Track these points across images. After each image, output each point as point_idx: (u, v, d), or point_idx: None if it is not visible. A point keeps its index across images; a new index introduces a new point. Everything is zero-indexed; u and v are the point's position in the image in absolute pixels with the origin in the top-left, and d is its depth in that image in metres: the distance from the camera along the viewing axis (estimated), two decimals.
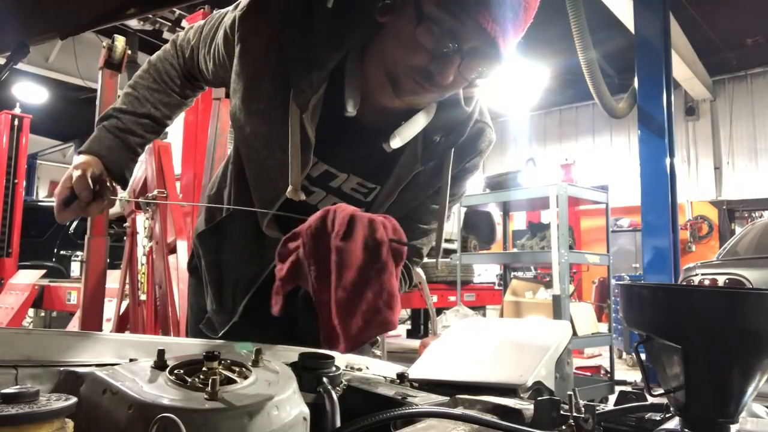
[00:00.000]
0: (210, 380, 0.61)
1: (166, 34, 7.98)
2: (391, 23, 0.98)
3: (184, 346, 0.89)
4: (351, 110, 1.01)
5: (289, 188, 1.03)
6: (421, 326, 8.17)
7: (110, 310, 3.76)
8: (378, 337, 1.39)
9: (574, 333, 4.58)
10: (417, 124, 1.05)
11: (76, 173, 1.07)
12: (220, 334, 1.22)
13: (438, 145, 1.08)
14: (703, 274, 4.96)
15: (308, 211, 1.14)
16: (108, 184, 1.13)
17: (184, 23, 7.18)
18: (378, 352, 1.33)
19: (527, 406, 0.75)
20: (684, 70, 11.05)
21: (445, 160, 1.10)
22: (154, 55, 1.28)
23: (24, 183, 5.90)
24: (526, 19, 0.94)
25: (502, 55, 0.93)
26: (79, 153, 1.15)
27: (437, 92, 0.99)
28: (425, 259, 1.27)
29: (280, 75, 1.01)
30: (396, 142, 1.03)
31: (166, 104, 1.24)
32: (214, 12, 1.18)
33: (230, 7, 1.12)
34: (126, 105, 1.21)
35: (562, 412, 0.70)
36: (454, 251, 6.17)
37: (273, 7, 1.03)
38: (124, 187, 1.19)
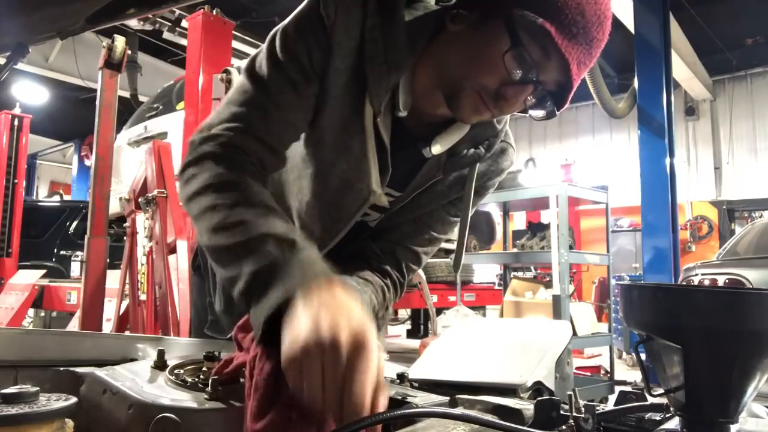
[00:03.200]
0: (210, 380, 0.61)
1: (166, 34, 7.98)
2: (465, 34, 0.95)
3: (184, 346, 0.89)
4: (403, 111, 0.99)
5: (372, 194, 0.99)
6: (421, 326, 8.17)
7: (110, 310, 3.76)
8: (380, 342, 1.35)
9: (574, 333, 4.58)
10: (457, 133, 1.04)
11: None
12: (228, 336, 1.19)
13: (463, 157, 1.08)
14: (703, 274, 4.96)
15: (360, 227, 1.11)
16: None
17: (184, 23, 7.18)
18: (385, 356, 1.31)
19: (527, 406, 0.75)
20: (684, 70, 11.06)
21: (468, 173, 1.10)
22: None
23: (24, 183, 5.91)
24: (591, 65, 0.95)
25: (568, 97, 0.94)
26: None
27: (497, 114, 0.97)
28: (429, 258, 1.26)
29: (354, 78, 0.97)
30: (437, 149, 1.02)
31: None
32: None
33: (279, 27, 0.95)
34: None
35: (562, 412, 0.71)
36: (454, 251, 6.14)
37: (354, 4, 0.95)
38: None
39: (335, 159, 1.02)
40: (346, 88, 0.97)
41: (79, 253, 6.45)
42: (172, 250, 3.23)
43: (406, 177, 1.10)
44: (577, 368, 5.74)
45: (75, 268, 6.61)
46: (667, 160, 6.73)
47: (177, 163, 3.78)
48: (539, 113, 0.97)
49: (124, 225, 3.91)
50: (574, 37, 0.88)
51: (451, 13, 0.96)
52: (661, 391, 0.67)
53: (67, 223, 7.57)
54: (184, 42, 7.09)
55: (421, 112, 1.03)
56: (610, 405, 0.81)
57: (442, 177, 1.08)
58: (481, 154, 1.08)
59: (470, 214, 1.16)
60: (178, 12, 7.39)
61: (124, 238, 3.85)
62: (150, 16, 7.15)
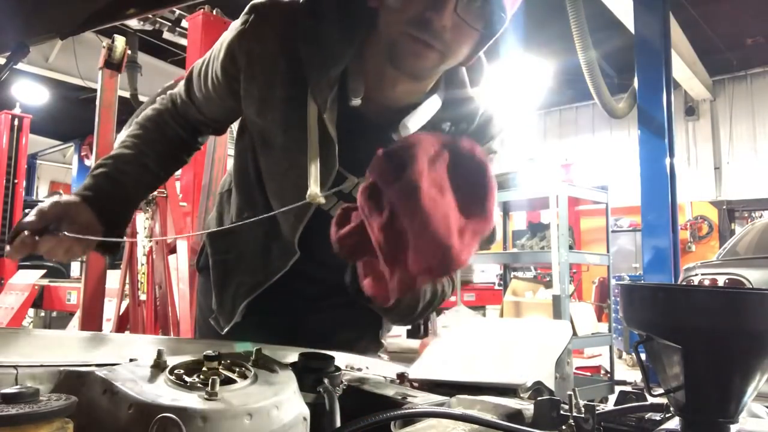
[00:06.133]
0: (210, 380, 0.61)
1: (166, 34, 7.97)
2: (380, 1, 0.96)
3: (184, 346, 0.89)
4: (355, 99, 0.99)
5: (309, 192, 0.97)
6: (421, 326, 8.17)
7: (110, 310, 3.76)
8: (383, 343, 1.37)
9: (574, 333, 4.58)
10: (426, 111, 1.03)
11: (42, 204, 1.03)
12: (225, 332, 1.22)
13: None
14: (703, 274, 4.96)
15: (322, 218, 1.11)
16: (76, 227, 1.02)
17: (184, 23, 7.18)
18: (385, 357, 1.35)
19: (527, 406, 0.75)
20: (684, 70, 11.06)
21: None
22: (141, 115, 1.24)
23: (24, 183, 5.91)
24: None
25: None
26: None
27: (439, 47, 0.94)
28: None
29: (291, 81, 1.00)
30: (406, 131, 1.01)
31: (165, 156, 1.22)
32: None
33: (218, 43, 1.10)
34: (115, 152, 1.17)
35: (562, 412, 0.70)
36: None
37: (274, 13, 1.01)
38: (114, 232, 1.10)
39: (281, 161, 1.07)
40: (276, 90, 1.00)
41: None
42: (172, 250, 3.23)
43: None
44: (577, 368, 5.75)
45: (75, 268, 6.61)
46: (667, 160, 6.74)
47: None
48: (490, 27, 0.95)
49: None
50: None
51: None
52: (661, 391, 0.67)
53: None
54: (184, 42, 7.10)
55: (384, 97, 1.03)
56: (610, 405, 0.81)
57: None
58: (464, 131, 1.08)
59: None
60: (178, 12, 7.39)
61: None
62: (150, 16, 7.16)
